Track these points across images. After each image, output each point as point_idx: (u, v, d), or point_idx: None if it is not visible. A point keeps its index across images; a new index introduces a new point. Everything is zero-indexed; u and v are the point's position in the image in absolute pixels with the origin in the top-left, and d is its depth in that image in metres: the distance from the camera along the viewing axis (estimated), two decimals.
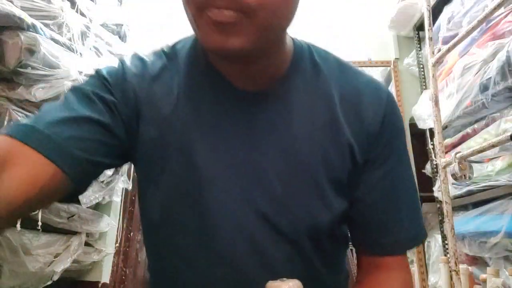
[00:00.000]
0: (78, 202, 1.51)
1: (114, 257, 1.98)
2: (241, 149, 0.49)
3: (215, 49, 0.41)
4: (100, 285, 1.82)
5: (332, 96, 0.51)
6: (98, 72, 0.51)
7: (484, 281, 1.20)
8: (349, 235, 0.57)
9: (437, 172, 1.68)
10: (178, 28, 2.72)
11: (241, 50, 0.40)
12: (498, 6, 1.12)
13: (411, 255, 1.93)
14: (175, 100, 0.50)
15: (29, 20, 1.20)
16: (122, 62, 0.53)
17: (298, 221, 0.49)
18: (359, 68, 0.58)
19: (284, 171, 0.49)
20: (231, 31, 0.39)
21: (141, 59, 0.54)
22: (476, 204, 1.43)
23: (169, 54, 0.54)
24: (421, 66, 2.13)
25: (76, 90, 0.48)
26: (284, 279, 0.37)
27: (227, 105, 0.50)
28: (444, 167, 1.32)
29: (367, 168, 0.51)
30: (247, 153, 0.49)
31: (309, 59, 0.53)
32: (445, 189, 1.31)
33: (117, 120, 0.48)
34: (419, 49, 2.15)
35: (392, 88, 2.26)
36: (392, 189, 0.52)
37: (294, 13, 0.44)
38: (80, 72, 1.42)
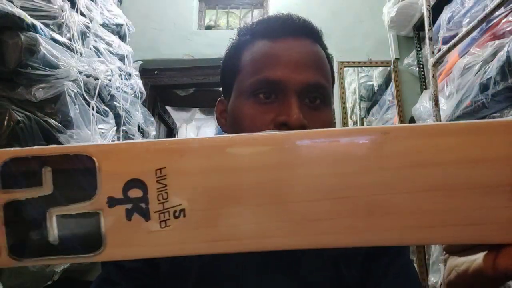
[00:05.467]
0: None
1: None
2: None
3: None
4: None
5: None
6: None
7: None
8: None
9: None
10: (178, 28, 2.71)
11: None
12: (498, 6, 1.12)
13: (411, 255, 1.94)
14: None
15: (29, 20, 1.20)
16: None
17: None
18: None
19: None
20: None
21: None
22: None
23: None
24: (421, 66, 2.13)
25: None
26: None
27: None
28: None
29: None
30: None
31: None
32: None
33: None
34: (419, 49, 2.15)
35: (392, 88, 2.27)
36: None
37: None
38: (80, 72, 1.42)
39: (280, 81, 0.46)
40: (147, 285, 0.49)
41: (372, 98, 2.62)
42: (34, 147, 0.28)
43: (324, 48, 0.53)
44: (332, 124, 0.53)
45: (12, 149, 0.29)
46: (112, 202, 0.28)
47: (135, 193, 0.28)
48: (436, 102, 1.38)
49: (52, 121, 1.25)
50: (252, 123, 0.46)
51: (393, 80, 2.27)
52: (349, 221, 0.28)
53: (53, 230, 0.29)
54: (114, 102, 1.72)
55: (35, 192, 0.28)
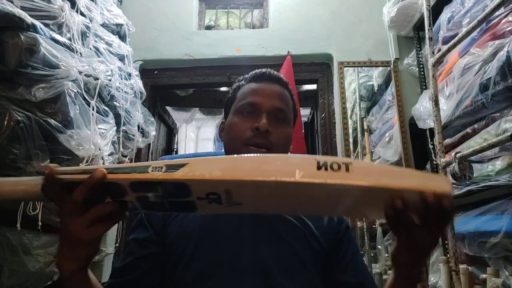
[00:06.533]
0: None
1: (114, 257, 1.98)
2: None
3: None
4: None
5: None
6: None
7: (484, 281, 1.20)
8: None
9: (437, 172, 1.68)
10: (177, 28, 2.70)
11: None
12: (498, 6, 1.12)
13: None
14: None
15: (29, 20, 1.20)
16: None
17: None
18: None
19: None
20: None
21: None
22: (476, 204, 1.43)
23: None
24: (421, 66, 2.13)
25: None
26: None
27: None
28: (444, 167, 1.32)
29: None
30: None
31: None
32: None
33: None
34: (419, 49, 2.15)
35: (392, 88, 2.27)
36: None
37: (289, 148, 0.78)
38: (80, 72, 1.42)
39: (256, 103, 0.75)
40: (155, 253, 0.71)
41: (372, 98, 2.62)
42: (161, 175, 0.50)
43: (290, 93, 0.82)
44: (290, 137, 0.78)
45: (142, 176, 0.50)
46: (199, 199, 0.52)
47: (213, 196, 0.51)
48: (436, 102, 1.38)
49: (52, 121, 1.25)
50: (238, 129, 0.74)
51: (393, 80, 2.26)
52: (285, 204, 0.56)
53: (167, 206, 0.53)
54: (114, 102, 1.72)
55: (156, 193, 0.52)
